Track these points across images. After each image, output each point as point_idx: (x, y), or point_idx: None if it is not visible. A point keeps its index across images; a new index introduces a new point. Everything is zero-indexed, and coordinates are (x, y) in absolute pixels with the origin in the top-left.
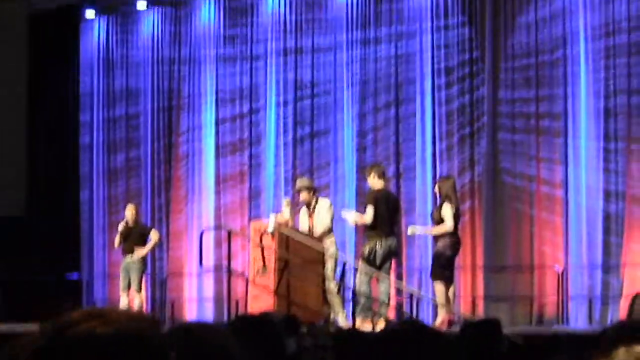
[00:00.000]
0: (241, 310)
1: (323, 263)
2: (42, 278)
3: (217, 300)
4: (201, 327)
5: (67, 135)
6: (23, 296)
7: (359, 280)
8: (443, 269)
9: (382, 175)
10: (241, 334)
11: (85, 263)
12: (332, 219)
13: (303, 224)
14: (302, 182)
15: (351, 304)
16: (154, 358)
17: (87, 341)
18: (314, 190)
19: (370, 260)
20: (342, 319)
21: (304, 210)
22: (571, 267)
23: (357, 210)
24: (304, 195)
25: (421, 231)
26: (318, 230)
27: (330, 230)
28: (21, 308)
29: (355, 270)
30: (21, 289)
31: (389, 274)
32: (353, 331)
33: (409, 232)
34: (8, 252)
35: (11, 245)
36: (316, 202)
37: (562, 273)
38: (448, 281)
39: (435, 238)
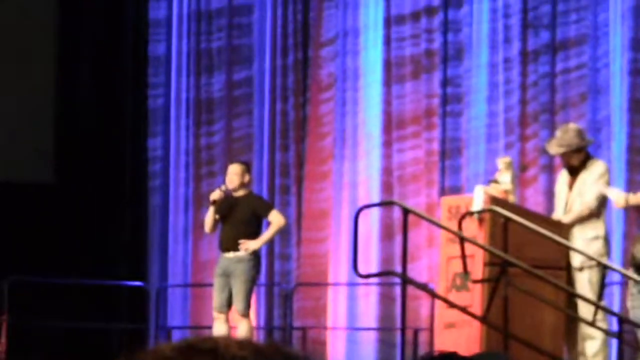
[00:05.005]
0: (424, 347)
1: (572, 269)
2: (82, 282)
3: (383, 329)
4: None
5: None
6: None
7: (630, 302)
8: None
9: None
10: None
11: (155, 260)
12: (602, 195)
13: (559, 199)
14: (566, 131)
15: (616, 343)
16: None
17: None
18: (585, 143)
19: None
20: None
21: (562, 176)
22: None
23: (630, 178)
24: (566, 154)
25: None
26: (574, 211)
27: (598, 215)
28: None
29: (625, 284)
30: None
31: None
32: None
33: None
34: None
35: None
36: (584, 163)
37: None
38: None
39: None
